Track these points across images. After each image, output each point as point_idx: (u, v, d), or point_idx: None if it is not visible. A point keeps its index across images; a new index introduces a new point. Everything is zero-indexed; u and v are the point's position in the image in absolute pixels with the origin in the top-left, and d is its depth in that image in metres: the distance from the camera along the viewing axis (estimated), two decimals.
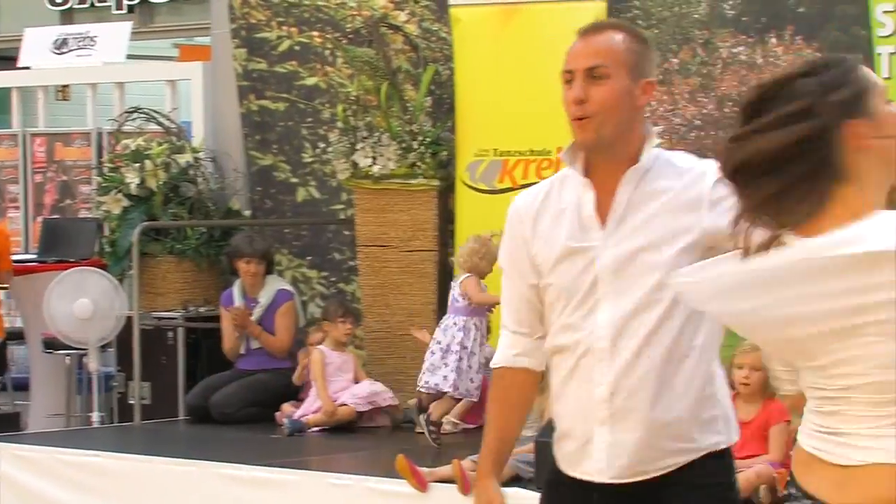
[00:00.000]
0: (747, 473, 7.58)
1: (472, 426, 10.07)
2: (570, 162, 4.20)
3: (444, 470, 8.25)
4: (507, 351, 4.15)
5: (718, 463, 4.12)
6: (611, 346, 4.01)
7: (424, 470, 8.29)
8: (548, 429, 8.06)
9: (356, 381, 10.39)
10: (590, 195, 4.15)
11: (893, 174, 3.25)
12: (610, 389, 4.02)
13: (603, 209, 4.13)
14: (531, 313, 4.12)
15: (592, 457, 4.05)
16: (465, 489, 8.11)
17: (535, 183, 10.94)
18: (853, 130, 3.18)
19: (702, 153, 11.62)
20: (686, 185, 4.14)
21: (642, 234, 4.06)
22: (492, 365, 4.15)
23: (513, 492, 8.05)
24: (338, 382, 10.32)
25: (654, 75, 4.19)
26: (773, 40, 10.58)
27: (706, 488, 4.10)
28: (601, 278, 4.04)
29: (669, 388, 4.03)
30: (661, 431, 4.03)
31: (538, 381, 4.24)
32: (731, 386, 7.96)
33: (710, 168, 4.05)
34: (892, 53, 9.43)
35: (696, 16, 10.92)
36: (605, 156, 4.21)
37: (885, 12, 9.42)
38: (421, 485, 8.26)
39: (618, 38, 4.24)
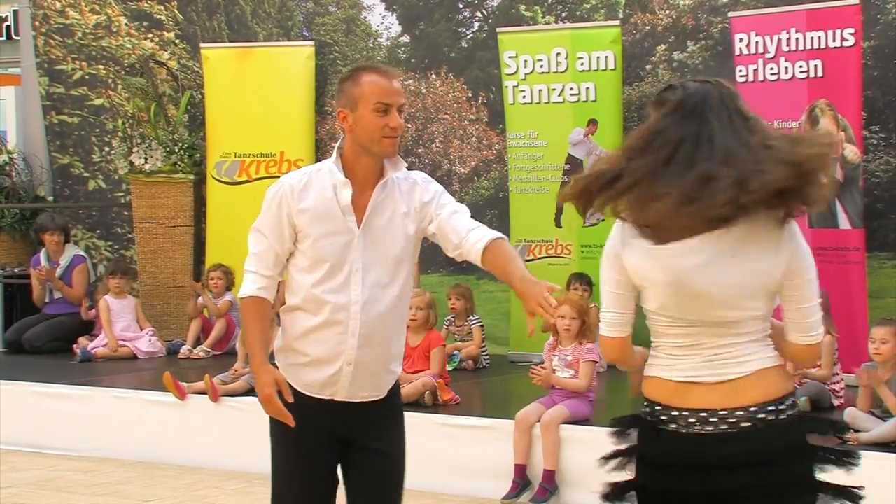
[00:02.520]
0: (416, 384, 7.64)
1: (219, 353, 9.99)
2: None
3: (199, 384, 8.14)
4: (253, 286, 3.89)
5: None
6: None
7: (184, 384, 8.17)
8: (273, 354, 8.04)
9: (138, 321, 10.23)
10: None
11: None
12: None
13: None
14: (280, 264, 3.91)
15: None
16: (214, 397, 8.02)
17: (267, 178, 10.95)
18: None
19: None
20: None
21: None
22: (244, 295, 3.88)
23: (250, 400, 8.01)
24: (122, 322, 10.13)
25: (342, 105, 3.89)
26: (433, 76, 10.70)
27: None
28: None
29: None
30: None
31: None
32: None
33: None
34: (515, 86, 9.60)
35: (378, 57, 10.99)
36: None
37: (510, 57, 9.59)
38: (181, 394, 8.13)
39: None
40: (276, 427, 3.88)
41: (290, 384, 3.82)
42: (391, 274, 3.85)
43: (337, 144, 3.94)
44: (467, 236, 3.81)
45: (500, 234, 3.82)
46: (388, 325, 3.88)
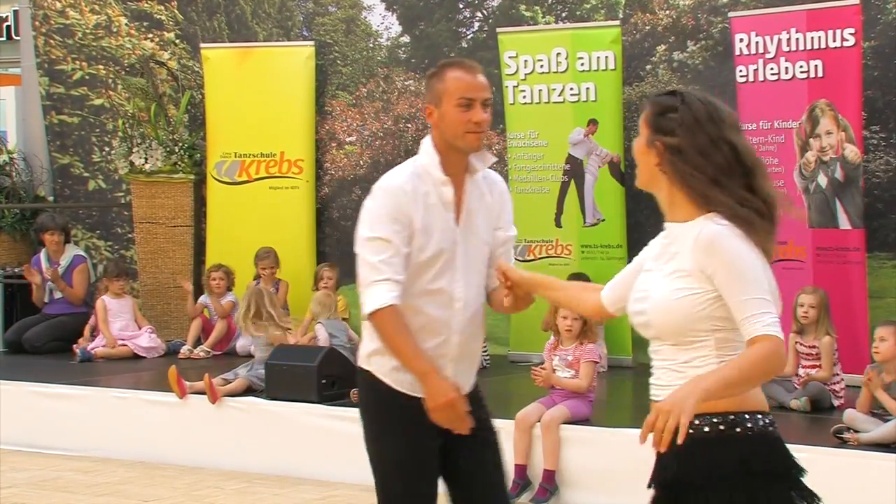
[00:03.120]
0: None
1: (219, 353, 9.99)
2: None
3: (199, 384, 8.14)
4: (389, 294, 3.74)
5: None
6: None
7: (186, 384, 8.17)
8: (276, 353, 8.03)
9: (136, 321, 10.23)
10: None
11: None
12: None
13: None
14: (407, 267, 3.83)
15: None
16: (214, 398, 8.01)
17: (267, 177, 10.95)
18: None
19: (384, 157, 11.75)
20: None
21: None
22: (382, 305, 3.70)
23: (249, 400, 8.01)
24: (120, 321, 10.12)
25: (429, 101, 3.90)
26: None
27: None
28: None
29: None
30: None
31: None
32: None
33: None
34: (515, 86, 9.60)
35: (378, 58, 10.98)
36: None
37: (510, 57, 9.58)
38: (182, 392, 8.12)
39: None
40: (392, 433, 3.87)
41: (391, 386, 3.85)
42: (482, 272, 3.93)
43: (425, 142, 3.93)
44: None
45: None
46: (481, 322, 3.97)
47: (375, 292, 3.72)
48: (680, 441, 2.82)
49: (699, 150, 3.04)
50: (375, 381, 3.89)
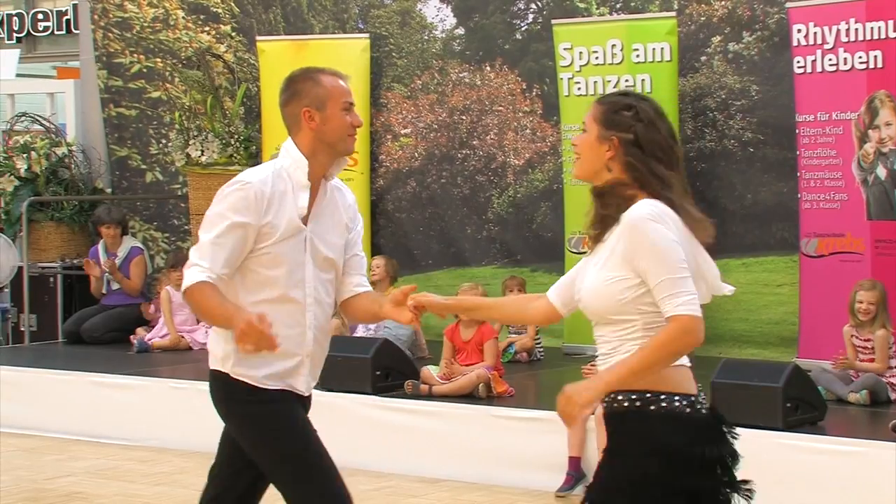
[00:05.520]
0: (470, 376, 7.64)
1: None
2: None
3: None
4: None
5: None
6: None
7: None
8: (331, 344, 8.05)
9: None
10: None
11: None
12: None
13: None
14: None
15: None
16: None
17: None
18: None
19: (438, 150, 11.76)
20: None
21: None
22: (191, 283, 3.81)
23: None
24: (181, 315, 10.19)
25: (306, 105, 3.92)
26: (488, 68, 10.68)
27: None
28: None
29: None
30: None
31: None
32: (454, 315, 8.01)
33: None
34: (570, 78, 9.56)
35: (433, 50, 10.98)
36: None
37: (565, 49, 9.55)
38: None
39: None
40: (286, 419, 3.95)
41: (253, 384, 3.94)
42: (330, 277, 4.02)
43: (287, 145, 3.96)
44: (361, 281, 4.07)
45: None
46: (326, 324, 4.06)
47: (190, 273, 3.80)
48: (568, 425, 3.33)
49: (658, 145, 3.37)
50: (234, 381, 3.93)
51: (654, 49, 9.26)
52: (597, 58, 9.42)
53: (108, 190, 12.15)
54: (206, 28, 11.72)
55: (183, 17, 11.82)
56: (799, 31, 8.55)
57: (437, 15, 10.99)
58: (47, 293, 11.37)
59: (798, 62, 8.55)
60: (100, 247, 10.87)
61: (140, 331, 10.31)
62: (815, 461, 6.24)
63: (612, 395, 3.32)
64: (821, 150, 8.49)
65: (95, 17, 12.10)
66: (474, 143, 10.62)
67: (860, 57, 8.26)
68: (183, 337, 10.13)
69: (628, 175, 3.37)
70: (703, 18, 9.72)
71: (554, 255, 9.82)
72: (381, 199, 10.96)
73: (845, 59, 8.34)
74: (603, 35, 9.42)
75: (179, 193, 11.69)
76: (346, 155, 4.00)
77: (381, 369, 7.81)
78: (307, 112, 3.89)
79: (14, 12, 13.70)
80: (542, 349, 9.30)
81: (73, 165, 11.94)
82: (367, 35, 10.90)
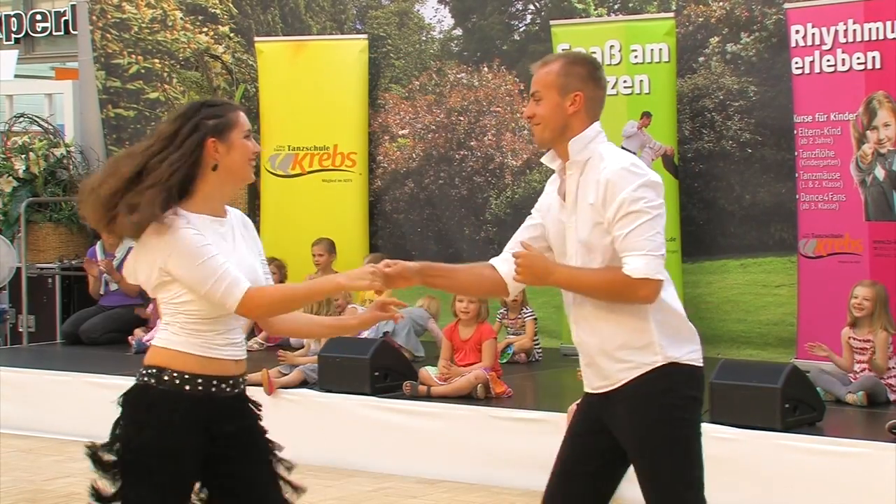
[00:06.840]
0: (468, 376, 7.64)
1: (272, 345, 10.04)
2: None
3: (255, 375, 8.17)
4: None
5: None
6: None
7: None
8: (329, 345, 8.06)
9: None
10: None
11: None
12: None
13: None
14: None
15: None
16: (270, 390, 8.05)
17: (320, 170, 11.06)
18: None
19: (436, 150, 11.76)
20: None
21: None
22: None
23: (303, 392, 8.05)
24: None
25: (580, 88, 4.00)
26: (486, 69, 10.69)
27: None
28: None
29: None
30: None
31: None
32: (454, 314, 8.02)
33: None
34: None
35: (431, 51, 10.99)
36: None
37: (563, 50, 9.55)
38: (270, 390, 8.08)
39: (552, 66, 4.02)
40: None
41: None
42: None
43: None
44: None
45: None
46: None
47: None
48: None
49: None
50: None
51: (652, 50, 9.27)
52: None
53: None
54: (205, 29, 11.72)
55: (181, 18, 11.83)
56: (797, 31, 8.56)
57: (435, 16, 11.00)
58: (45, 294, 11.38)
59: (796, 63, 8.56)
60: (98, 247, 10.88)
61: (138, 332, 10.30)
62: (814, 462, 6.24)
63: None
64: (819, 151, 8.50)
65: (94, 17, 12.11)
66: (472, 143, 10.63)
67: (858, 58, 8.26)
68: None
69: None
70: (701, 19, 9.73)
71: None
72: (378, 199, 10.96)
73: (843, 59, 8.34)
74: (601, 36, 9.42)
75: None
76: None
77: (380, 370, 7.81)
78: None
79: (12, 13, 13.70)
80: (540, 350, 9.31)
81: (71, 166, 11.97)
82: (364, 36, 10.90)
